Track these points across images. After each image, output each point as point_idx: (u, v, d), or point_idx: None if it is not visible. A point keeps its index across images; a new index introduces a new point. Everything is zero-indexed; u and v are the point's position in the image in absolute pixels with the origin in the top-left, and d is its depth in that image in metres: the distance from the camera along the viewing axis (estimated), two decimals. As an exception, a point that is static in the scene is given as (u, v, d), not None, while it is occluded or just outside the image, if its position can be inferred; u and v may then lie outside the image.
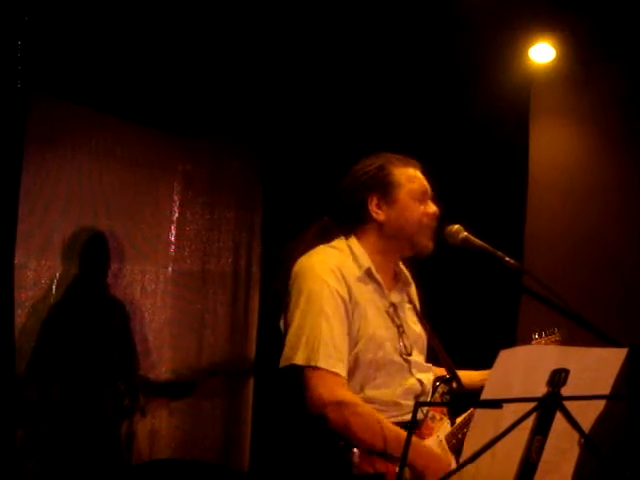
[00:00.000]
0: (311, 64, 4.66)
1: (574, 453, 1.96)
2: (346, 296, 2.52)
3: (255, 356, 5.42)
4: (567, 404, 1.83)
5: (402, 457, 1.71)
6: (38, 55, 3.39)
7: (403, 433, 2.41)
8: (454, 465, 2.44)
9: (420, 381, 2.62)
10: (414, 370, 2.63)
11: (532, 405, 1.81)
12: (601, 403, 1.94)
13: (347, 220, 2.70)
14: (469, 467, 1.81)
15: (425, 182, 2.72)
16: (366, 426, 2.40)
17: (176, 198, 5.14)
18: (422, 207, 2.67)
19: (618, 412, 2.00)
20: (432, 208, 2.69)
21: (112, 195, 4.69)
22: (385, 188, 2.65)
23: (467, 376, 2.82)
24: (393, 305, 2.67)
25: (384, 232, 2.66)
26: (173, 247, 5.13)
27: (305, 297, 2.50)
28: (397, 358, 2.59)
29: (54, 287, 4.42)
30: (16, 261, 3.84)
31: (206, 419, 5.23)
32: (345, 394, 2.44)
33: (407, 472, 2.37)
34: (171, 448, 5.05)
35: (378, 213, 2.65)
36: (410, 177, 2.69)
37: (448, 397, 2.70)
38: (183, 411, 5.08)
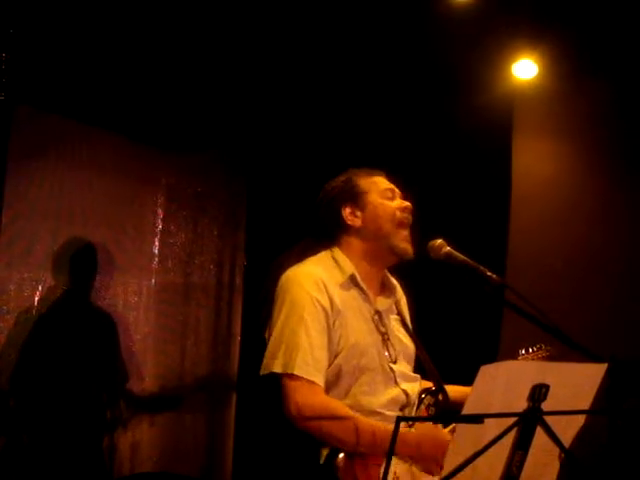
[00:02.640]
0: (296, 80, 4.69)
1: (554, 467, 1.97)
2: (328, 306, 2.55)
3: (238, 368, 5.41)
4: (547, 419, 1.84)
5: (385, 468, 1.71)
6: (23, 67, 3.39)
7: (380, 429, 2.44)
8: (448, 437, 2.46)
9: (405, 392, 2.63)
10: (399, 380, 2.64)
11: (513, 420, 1.82)
12: (581, 418, 1.95)
13: (327, 235, 2.76)
14: (450, 482, 1.81)
15: (391, 185, 2.80)
16: (342, 428, 2.42)
17: (160, 211, 5.13)
18: (393, 203, 2.74)
19: (598, 427, 2.01)
20: (404, 203, 2.75)
21: (95, 207, 4.68)
22: (354, 196, 2.74)
23: (461, 391, 2.81)
24: (378, 313, 2.70)
25: (364, 236, 2.71)
26: (156, 259, 5.12)
27: (287, 307, 2.55)
28: (381, 365, 2.61)
29: (37, 299, 4.39)
30: (-2, 272, 3.84)
31: (188, 431, 5.21)
32: (320, 400, 2.46)
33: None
34: (152, 461, 5.02)
35: (354, 220, 2.72)
36: (375, 181, 2.78)
37: (434, 409, 2.69)
38: (165, 423, 5.06)
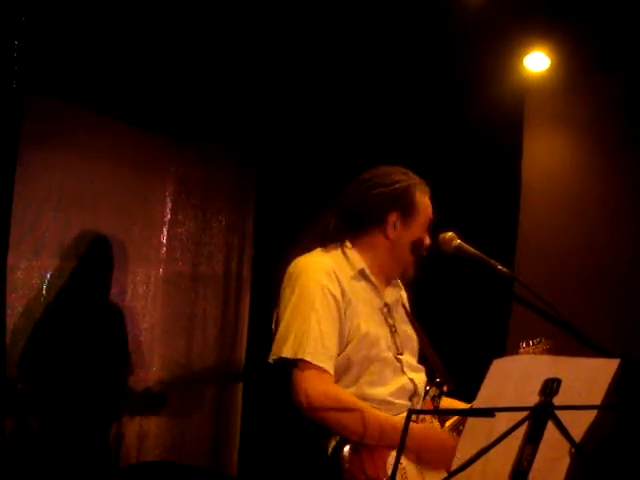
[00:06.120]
0: (307, 69, 4.67)
1: (565, 462, 1.97)
2: (339, 295, 2.55)
3: (245, 358, 5.42)
4: (559, 413, 1.84)
5: (395, 460, 1.71)
6: (35, 55, 3.39)
7: (387, 421, 2.46)
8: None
9: (412, 380, 2.65)
10: (406, 369, 2.66)
11: (524, 414, 1.82)
12: (592, 413, 1.95)
13: (354, 224, 2.72)
14: (460, 475, 1.81)
15: (432, 212, 2.77)
16: (350, 419, 2.42)
17: (168, 200, 5.14)
18: (425, 238, 2.74)
19: (609, 422, 2.00)
20: (428, 240, 2.74)
21: (104, 196, 4.68)
22: (408, 209, 2.69)
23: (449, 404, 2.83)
24: (387, 305, 2.72)
25: (387, 248, 2.70)
26: (165, 249, 5.13)
27: (297, 295, 2.54)
28: (390, 356, 2.63)
29: (45, 288, 4.40)
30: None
31: (195, 421, 5.23)
32: (330, 389, 2.47)
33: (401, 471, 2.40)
34: (159, 450, 5.04)
35: (393, 231, 2.69)
36: (427, 206, 2.74)
37: (438, 401, 2.71)
38: (172, 413, 5.08)
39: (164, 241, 5.13)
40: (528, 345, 2.92)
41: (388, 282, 2.78)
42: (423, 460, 2.48)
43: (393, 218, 2.68)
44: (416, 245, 2.70)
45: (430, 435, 2.53)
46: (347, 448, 2.42)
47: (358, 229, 2.71)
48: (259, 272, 5.39)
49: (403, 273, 2.76)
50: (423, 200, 2.73)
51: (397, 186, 2.70)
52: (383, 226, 2.68)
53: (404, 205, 2.68)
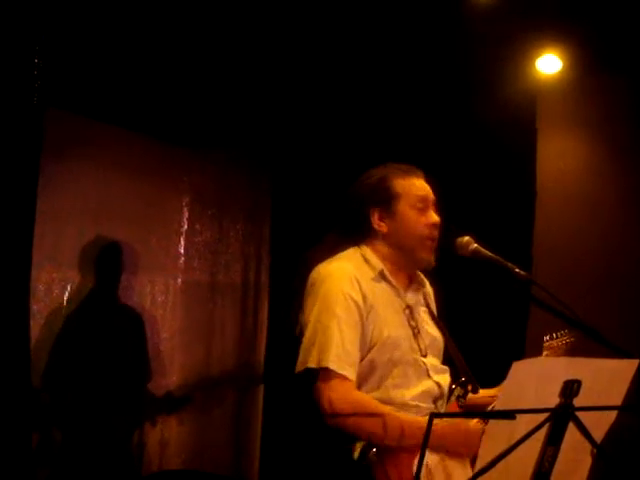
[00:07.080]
0: (321, 76, 4.69)
1: (586, 463, 1.98)
2: (360, 301, 2.56)
3: (265, 366, 5.44)
4: (579, 415, 1.85)
5: (418, 463, 1.73)
6: (54, 71, 3.43)
7: (409, 424, 2.46)
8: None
9: (438, 384, 2.66)
10: (431, 372, 2.66)
11: (545, 416, 1.83)
12: (613, 414, 1.96)
13: (355, 233, 2.74)
14: (482, 478, 1.82)
15: (426, 190, 2.73)
16: (372, 424, 2.43)
17: (185, 210, 5.17)
18: (422, 217, 2.68)
19: (630, 422, 2.02)
20: (432, 218, 2.69)
21: (122, 207, 4.72)
22: (385, 200, 2.69)
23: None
24: (409, 307, 2.71)
25: (388, 242, 2.70)
26: (182, 258, 5.16)
27: (319, 303, 2.56)
28: (414, 358, 2.63)
29: (65, 298, 4.45)
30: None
31: (216, 429, 5.25)
32: (351, 393, 2.49)
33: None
34: (181, 458, 5.06)
35: (381, 225, 2.69)
36: (410, 187, 2.70)
37: (463, 400, 2.70)
38: (193, 421, 5.10)
39: (182, 251, 5.16)
40: (552, 338, 2.90)
41: (410, 282, 2.77)
42: (451, 453, 2.49)
43: (374, 214, 2.68)
44: (416, 229, 2.66)
45: (453, 428, 2.51)
46: (373, 451, 2.43)
47: (360, 236, 2.72)
48: (277, 279, 5.41)
49: (418, 262, 2.71)
50: (403, 183, 2.70)
51: (369, 181, 2.73)
52: (372, 227, 2.69)
53: (380, 197, 2.68)
